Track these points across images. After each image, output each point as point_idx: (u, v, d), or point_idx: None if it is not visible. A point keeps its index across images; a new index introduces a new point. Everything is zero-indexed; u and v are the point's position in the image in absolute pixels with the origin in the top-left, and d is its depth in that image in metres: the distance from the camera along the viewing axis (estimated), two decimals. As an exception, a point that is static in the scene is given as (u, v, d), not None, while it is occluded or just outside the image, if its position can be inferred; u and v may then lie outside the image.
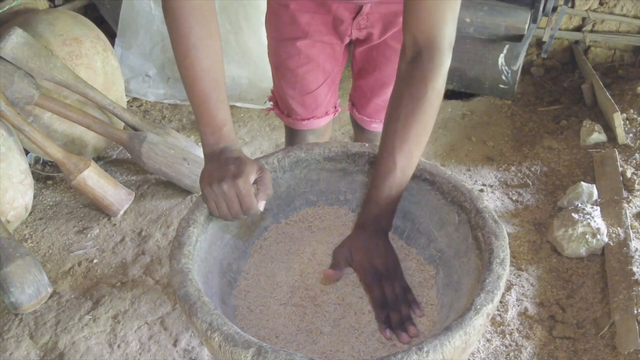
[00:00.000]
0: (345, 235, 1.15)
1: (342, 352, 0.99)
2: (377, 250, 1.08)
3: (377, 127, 1.61)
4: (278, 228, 1.21)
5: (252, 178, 1.02)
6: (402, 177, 1.08)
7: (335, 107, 1.63)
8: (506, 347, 1.74)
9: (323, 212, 1.24)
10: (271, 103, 1.66)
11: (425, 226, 1.15)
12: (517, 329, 1.78)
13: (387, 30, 1.39)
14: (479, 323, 0.86)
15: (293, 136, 1.64)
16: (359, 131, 1.70)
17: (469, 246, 1.04)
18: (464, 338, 0.85)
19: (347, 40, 1.44)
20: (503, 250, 0.97)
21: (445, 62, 1.03)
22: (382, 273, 1.06)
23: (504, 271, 0.94)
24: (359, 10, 1.35)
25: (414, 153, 1.06)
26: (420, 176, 1.14)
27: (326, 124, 1.63)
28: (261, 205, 1.05)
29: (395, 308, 1.02)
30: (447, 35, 1.02)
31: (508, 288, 1.90)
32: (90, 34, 2.30)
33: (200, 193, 1.06)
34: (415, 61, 1.04)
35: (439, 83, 1.04)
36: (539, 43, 3.02)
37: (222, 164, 1.03)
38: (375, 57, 1.47)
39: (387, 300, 1.03)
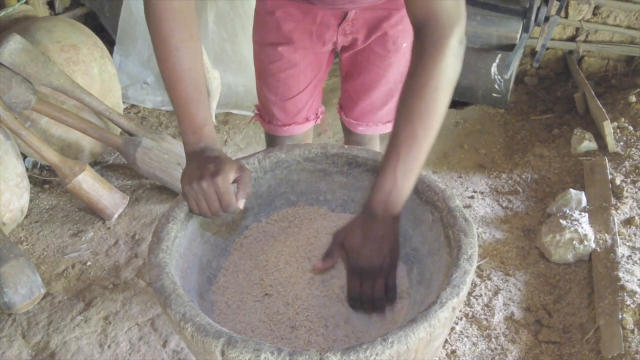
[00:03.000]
0: (323, 236, 1.18)
1: (314, 344, 1.01)
2: (375, 243, 1.03)
3: (364, 130, 1.64)
4: (259, 227, 1.24)
5: (232, 176, 1.05)
6: (407, 159, 1.00)
7: (317, 114, 1.64)
8: (492, 350, 1.75)
9: (303, 211, 1.27)
10: (257, 111, 1.69)
11: (401, 225, 1.18)
12: (503, 333, 1.80)
13: (370, 35, 1.42)
14: (443, 316, 0.89)
15: (273, 143, 1.67)
16: (348, 134, 1.73)
17: (441, 244, 1.07)
18: (428, 330, 0.87)
19: (330, 47, 1.47)
20: (471, 247, 0.99)
21: (450, 37, 0.97)
22: (365, 268, 1.04)
23: (470, 267, 0.96)
24: (344, 16, 1.38)
25: (419, 133, 0.99)
26: (396, 177, 1.17)
27: (306, 131, 1.64)
28: (241, 204, 1.07)
29: (366, 301, 1.04)
30: (446, 8, 0.97)
31: (495, 292, 1.92)
32: (88, 41, 2.34)
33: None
34: (417, 37, 1.00)
35: (445, 61, 0.97)
36: (533, 53, 3.05)
37: (201, 163, 1.06)
38: (360, 62, 1.50)
39: (360, 296, 1.04)
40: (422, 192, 1.13)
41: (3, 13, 2.31)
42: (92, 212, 2.27)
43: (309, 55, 1.46)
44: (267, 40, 1.44)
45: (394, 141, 1.01)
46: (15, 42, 2.05)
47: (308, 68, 1.48)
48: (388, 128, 1.63)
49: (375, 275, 1.04)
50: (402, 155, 1.00)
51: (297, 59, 1.45)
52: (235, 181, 1.07)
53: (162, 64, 1.06)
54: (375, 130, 1.63)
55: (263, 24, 1.43)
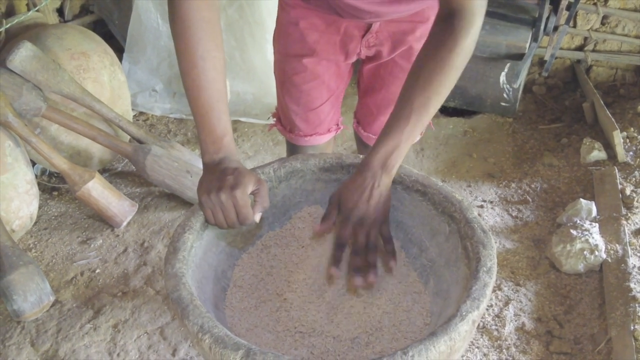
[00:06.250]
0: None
1: (329, 353, 1.01)
2: (365, 192, 1.08)
3: None
4: (273, 236, 1.24)
5: (250, 189, 1.05)
6: (415, 125, 1.07)
7: (338, 125, 1.64)
8: (503, 361, 1.75)
9: (318, 221, 1.26)
10: (274, 119, 1.69)
11: (417, 236, 1.17)
12: (514, 344, 1.79)
13: (396, 48, 1.42)
14: (464, 329, 0.88)
15: (294, 152, 1.66)
16: (364, 149, 1.71)
17: (458, 255, 1.06)
18: (449, 344, 0.86)
19: (354, 58, 1.46)
20: (490, 259, 0.99)
21: (475, 23, 1.06)
22: (359, 216, 1.07)
23: (490, 279, 0.95)
24: (368, 28, 1.38)
25: (432, 103, 1.07)
26: (412, 187, 1.17)
27: (327, 141, 1.64)
28: (257, 217, 1.07)
29: (358, 252, 1.06)
30: (477, 2, 1.05)
31: (506, 303, 1.91)
32: (98, 49, 2.35)
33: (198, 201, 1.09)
34: (447, 20, 1.06)
35: (468, 42, 1.06)
36: (541, 62, 3.05)
37: (220, 174, 1.05)
38: (383, 75, 1.49)
39: (346, 243, 1.07)
40: (439, 203, 1.13)
41: (16, 20, 2.31)
42: (101, 220, 2.27)
43: (332, 67, 1.46)
44: (292, 51, 1.43)
45: (407, 105, 1.07)
46: (26, 49, 2.05)
47: (331, 79, 1.48)
48: None
49: (369, 225, 1.08)
50: (412, 120, 1.07)
51: (320, 70, 1.44)
52: (252, 193, 1.06)
53: (187, 73, 1.06)
54: None
55: (286, 34, 1.42)
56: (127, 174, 2.55)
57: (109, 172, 2.55)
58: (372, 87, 1.53)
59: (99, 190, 2.17)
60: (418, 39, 1.39)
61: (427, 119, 1.09)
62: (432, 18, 1.34)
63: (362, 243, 1.07)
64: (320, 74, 1.46)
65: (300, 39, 1.40)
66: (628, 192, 2.21)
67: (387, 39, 1.40)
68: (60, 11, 2.95)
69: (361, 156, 1.24)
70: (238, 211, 1.04)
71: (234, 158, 1.10)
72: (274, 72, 1.54)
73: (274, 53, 1.51)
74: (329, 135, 1.62)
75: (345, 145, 2.65)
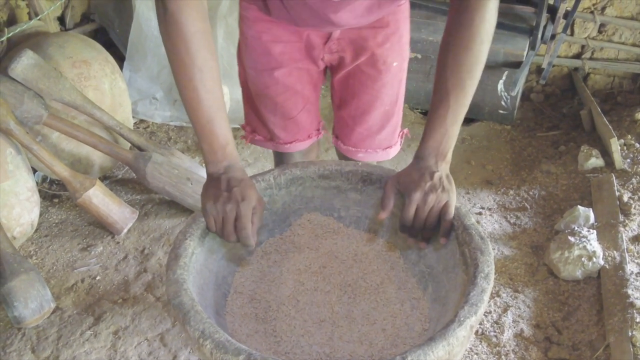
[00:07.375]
0: (335, 250, 1.19)
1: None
2: (426, 176, 1.10)
3: (363, 156, 1.61)
4: (273, 243, 1.25)
5: (253, 204, 1.08)
6: (456, 108, 1.09)
7: (318, 130, 1.63)
8: (501, 367, 1.75)
9: (318, 228, 1.27)
10: (244, 132, 1.66)
11: (415, 242, 1.19)
12: (512, 350, 1.80)
13: (358, 55, 1.42)
14: (462, 334, 0.89)
15: (280, 158, 1.67)
16: None
17: (456, 262, 1.07)
18: (447, 349, 0.88)
19: (321, 64, 1.46)
20: (488, 265, 1.00)
21: None
22: (424, 196, 1.09)
23: (488, 285, 0.97)
24: (329, 35, 1.38)
25: (466, 83, 1.08)
26: (411, 194, 1.18)
27: (309, 146, 1.64)
28: (253, 240, 1.10)
29: (417, 223, 1.11)
30: None
31: (504, 309, 1.92)
32: (99, 57, 2.36)
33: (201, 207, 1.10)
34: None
35: (488, 13, 1.05)
36: (539, 70, 3.08)
37: (227, 184, 1.08)
38: (352, 85, 1.49)
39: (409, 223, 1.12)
40: (437, 210, 1.14)
41: (17, 29, 2.33)
42: (102, 227, 2.28)
43: (303, 76, 1.46)
44: (260, 66, 1.43)
45: (442, 90, 1.09)
46: (27, 58, 2.07)
47: (305, 88, 1.48)
48: (388, 154, 1.62)
49: (435, 199, 1.09)
50: (452, 104, 1.08)
51: (292, 81, 1.45)
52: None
53: (185, 85, 1.07)
54: (375, 157, 1.61)
55: (251, 49, 1.42)
56: (127, 181, 2.56)
57: (110, 180, 2.56)
58: (345, 99, 1.53)
59: (99, 198, 2.18)
60: (380, 44, 1.39)
61: (467, 99, 1.10)
62: (392, 24, 1.35)
63: (422, 218, 1.10)
64: (293, 85, 1.46)
65: (265, 53, 1.40)
66: (625, 199, 2.22)
67: (348, 45, 1.40)
68: (61, 20, 2.97)
69: (360, 163, 1.26)
70: (238, 222, 1.07)
71: (237, 166, 1.12)
72: (241, 85, 1.54)
73: (239, 67, 1.51)
74: (310, 141, 1.62)
75: (345, 152, 2.66)
